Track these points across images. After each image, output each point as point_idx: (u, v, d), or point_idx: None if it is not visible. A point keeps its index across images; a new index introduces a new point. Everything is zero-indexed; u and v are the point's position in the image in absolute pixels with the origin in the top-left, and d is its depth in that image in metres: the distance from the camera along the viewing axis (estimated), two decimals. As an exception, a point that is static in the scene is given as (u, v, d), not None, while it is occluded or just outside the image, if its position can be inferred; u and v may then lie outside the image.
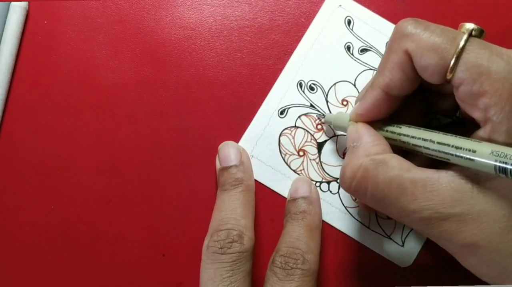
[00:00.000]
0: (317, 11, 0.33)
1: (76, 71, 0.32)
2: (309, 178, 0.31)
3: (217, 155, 0.31)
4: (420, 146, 0.24)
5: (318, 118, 0.32)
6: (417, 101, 0.27)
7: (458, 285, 0.30)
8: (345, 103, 0.32)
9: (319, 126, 0.32)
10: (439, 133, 0.24)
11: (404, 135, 0.25)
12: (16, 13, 0.32)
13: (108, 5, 0.33)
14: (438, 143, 0.23)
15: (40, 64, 0.32)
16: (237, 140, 0.32)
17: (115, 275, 0.31)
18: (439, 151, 0.23)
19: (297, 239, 0.27)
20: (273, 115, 0.32)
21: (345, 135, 0.29)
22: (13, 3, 0.32)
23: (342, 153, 0.31)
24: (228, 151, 0.30)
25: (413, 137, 0.24)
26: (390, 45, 0.25)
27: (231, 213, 0.28)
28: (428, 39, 0.23)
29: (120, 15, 0.33)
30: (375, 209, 0.25)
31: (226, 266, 0.26)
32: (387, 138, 0.26)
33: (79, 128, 0.32)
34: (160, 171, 0.31)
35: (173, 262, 0.31)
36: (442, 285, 0.30)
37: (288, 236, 0.28)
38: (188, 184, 0.31)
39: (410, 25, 0.24)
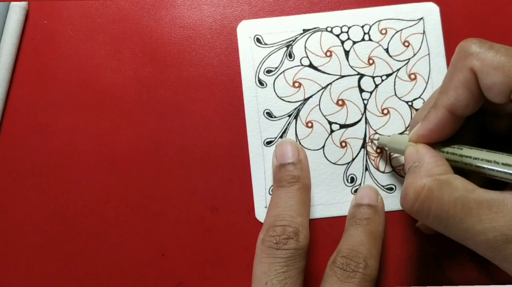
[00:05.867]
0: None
1: (76, 71, 0.32)
2: None
3: (273, 152, 0.31)
4: (483, 168, 0.23)
5: (371, 141, 0.31)
6: (472, 123, 0.27)
7: (458, 284, 0.30)
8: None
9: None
10: (503, 154, 0.23)
11: (466, 156, 0.24)
12: (16, 13, 0.32)
13: (108, 5, 0.33)
14: (503, 164, 0.23)
15: (40, 64, 0.32)
16: (237, 140, 0.32)
17: (115, 275, 0.31)
18: (505, 173, 0.23)
19: (360, 243, 0.27)
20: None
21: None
22: (13, 3, 0.32)
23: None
24: (286, 148, 0.30)
25: (475, 158, 0.24)
26: (454, 64, 0.24)
27: (288, 210, 0.28)
28: (494, 58, 0.22)
29: (120, 15, 0.33)
30: (437, 230, 0.24)
31: (281, 261, 0.26)
32: (448, 160, 0.25)
33: (79, 128, 0.32)
34: (160, 171, 0.31)
35: (173, 262, 0.31)
36: (441, 285, 0.30)
37: (351, 239, 0.28)
38: (188, 184, 0.31)
39: (474, 44, 0.23)
